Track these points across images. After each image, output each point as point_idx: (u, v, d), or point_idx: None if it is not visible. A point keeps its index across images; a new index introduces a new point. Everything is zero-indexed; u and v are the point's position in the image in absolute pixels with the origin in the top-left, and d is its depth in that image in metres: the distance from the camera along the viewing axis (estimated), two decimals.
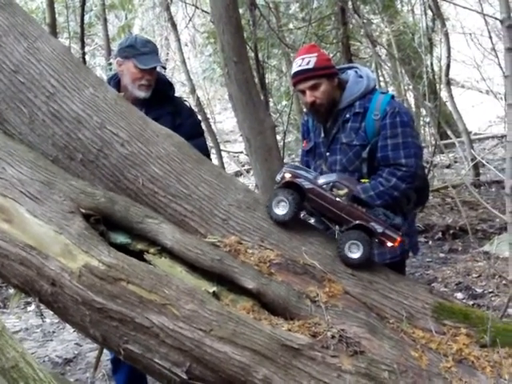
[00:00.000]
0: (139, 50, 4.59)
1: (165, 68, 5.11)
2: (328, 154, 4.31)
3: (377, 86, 4.45)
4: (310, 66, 4.16)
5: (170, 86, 4.94)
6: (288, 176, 3.47)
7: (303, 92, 4.24)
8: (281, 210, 3.41)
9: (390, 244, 3.45)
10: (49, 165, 3.30)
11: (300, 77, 4.21)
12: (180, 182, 3.37)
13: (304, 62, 4.20)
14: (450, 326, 3.32)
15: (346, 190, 3.44)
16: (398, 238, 3.46)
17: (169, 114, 4.60)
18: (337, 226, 3.67)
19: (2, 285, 9.05)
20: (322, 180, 3.51)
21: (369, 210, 3.49)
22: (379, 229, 3.42)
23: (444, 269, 8.56)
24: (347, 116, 4.23)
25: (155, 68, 4.69)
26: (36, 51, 3.48)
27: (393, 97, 4.29)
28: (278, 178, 3.55)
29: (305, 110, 4.82)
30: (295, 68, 4.27)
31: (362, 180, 4.13)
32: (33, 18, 3.83)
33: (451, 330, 3.30)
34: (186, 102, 5.07)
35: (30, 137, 3.41)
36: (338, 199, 3.43)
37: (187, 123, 4.70)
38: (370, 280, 3.37)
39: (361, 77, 4.31)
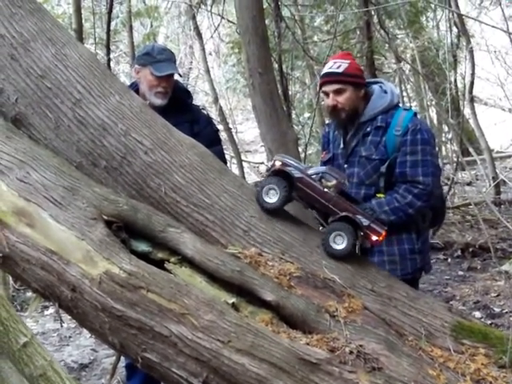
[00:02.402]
0: (155, 57, 4.64)
1: (181, 75, 5.13)
2: (346, 165, 4.31)
3: (400, 103, 4.46)
4: (340, 70, 4.21)
5: (188, 94, 4.97)
6: (278, 164, 3.47)
7: (327, 94, 4.27)
8: (270, 197, 3.42)
9: (374, 238, 3.45)
10: (73, 171, 3.32)
11: (327, 78, 4.27)
12: (202, 192, 3.37)
13: (335, 65, 4.26)
14: (469, 346, 3.29)
15: (334, 182, 3.45)
16: (383, 233, 3.46)
17: (187, 122, 4.62)
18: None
19: (20, 288, 9.09)
20: (311, 170, 3.52)
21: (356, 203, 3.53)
22: (365, 222, 3.42)
23: (462, 287, 8.51)
24: (368, 129, 4.25)
25: (172, 75, 4.72)
26: (64, 57, 3.50)
27: (415, 114, 4.31)
28: (269, 165, 3.58)
29: (327, 121, 4.85)
30: (325, 69, 4.34)
31: (378, 195, 4.13)
32: (61, 24, 3.86)
33: (470, 350, 3.27)
34: (203, 111, 5.09)
35: (54, 142, 3.43)
36: (326, 190, 3.43)
37: (205, 131, 4.73)
38: (390, 296, 3.36)
39: (385, 92, 4.32)
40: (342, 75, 4.21)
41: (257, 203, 3.44)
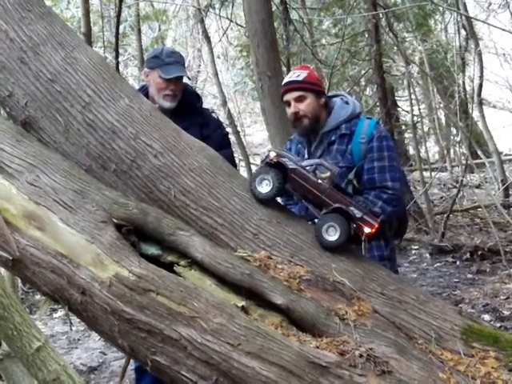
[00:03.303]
0: (164, 60, 4.64)
1: (189, 79, 5.13)
2: None
3: (362, 113, 4.52)
4: (300, 78, 4.31)
5: (197, 98, 4.97)
6: (273, 155, 3.49)
7: (289, 104, 4.33)
8: (264, 188, 3.44)
9: (367, 230, 3.44)
10: (82, 174, 3.33)
11: (288, 87, 4.34)
12: (212, 195, 3.37)
13: (295, 74, 4.37)
14: (479, 349, 3.28)
15: (328, 174, 3.46)
16: (376, 225, 3.46)
17: (196, 126, 4.62)
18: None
19: (29, 290, 9.11)
20: (305, 162, 3.54)
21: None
22: (358, 214, 3.42)
23: (471, 290, 8.50)
24: (333, 138, 4.30)
25: (181, 78, 4.72)
26: (73, 61, 3.51)
27: (378, 122, 4.35)
28: (263, 156, 3.59)
29: (289, 138, 4.88)
30: (285, 80, 4.44)
31: None
32: (70, 28, 3.86)
33: (480, 353, 3.25)
34: (213, 114, 5.10)
35: (64, 145, 3.44)
36: (319, 181, 3.45)
37: (215, 135, 4.73)
38: (400, 299, 3.35)
39: (346, 103, 4.41)
40: (303, 83, 4.29)
41: (250, 191, 3.47)
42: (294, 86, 4.30)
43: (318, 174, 3.45)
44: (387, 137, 4.28)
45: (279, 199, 3.99)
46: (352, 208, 3.42)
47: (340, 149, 4.26)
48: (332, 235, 3.38)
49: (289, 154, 3.60)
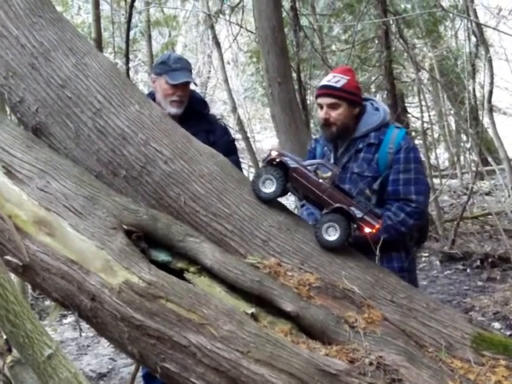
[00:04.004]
0: (171, 66, 4.66)
1: (196, 85, 5.14)
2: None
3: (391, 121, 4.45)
4: (338, 85, 4.19)
5: (204, 104, 4.98)
6: (274, 154, 3.49)
7: (321, 106, 4.26)
8: (267, 188, 3.44)
9: (368, 230, 3.44)
10: (93, 180, 3.33)
11: (323, 91, 4.25)
12: (221, 202, 3.37)
13: (334, 79, 4.24)
14: (489, 357, 3.26)
15: (329, 174, 3.46)
16: (377, 225, 3.46)
17: (203, 132, 4.61)
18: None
19: (39, 296, 9.12)
20: (306, 162, 3.55)
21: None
22: (359, 214, 3.42)
23: (482, 297, 8.45)
24: (360, 146, 4.23)
25: (187, 84, 4.73)
26: (84, 67, 3.52)
27: (407, 132, 4.30)
28: (265, 156, 3.60)
29: (314, 137, 4.83)
30: (323, 82, 4.33)
31: None
32: (81, 34, 3.88)
33: (490, 362, 3.24)
34: (219, 121, 5.10)
35: (74, 151, 3.45)
36: (320, 181, 3.44)
37: (221, 141, 4.73)
38: (410, 307, 3.34)
39: (377, 109, 4.32)
40: (339, 90, 4.19)
41: (253, 192, 3.47)
42: (329, 91, 4.22)
43: (320, 174, 3.46)
44: (415, 149, 4.23)
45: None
46: (353, 208, 3.42)
47: (367, 157, 4.21)
48: (332, 235, 3.38)
49: (290, 153, 3.59)
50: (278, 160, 3.48)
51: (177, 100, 4.65)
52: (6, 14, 3.54)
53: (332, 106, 4.19)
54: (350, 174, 4.23)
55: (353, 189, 4.14)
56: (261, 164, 3.61)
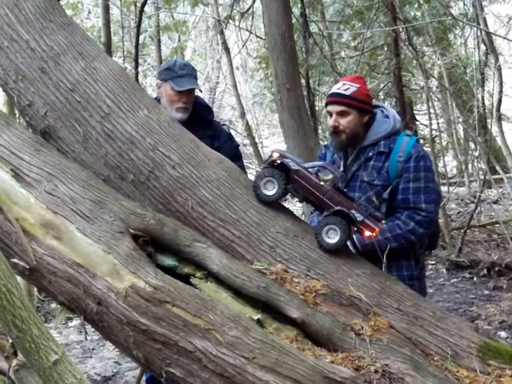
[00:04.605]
0: (176, 72, 4.67)
1: (201, 91, 5.16)
2: (345, 190, 4.25)
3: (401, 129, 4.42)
4: (347, 93, 4.16)
5: (208, 110, 5.00)
6: (276, 155, 3.48)
7: (331, 114, 4.24)
8: (269, 190, 3.43)
9: (368, 233, 3.45)
10: (100, 184, 3.33)
11: (333, 99, 4.23)
12: (229, 207, 3.37)
13: (344, 87, 4.21)
14: (495, 367, 3.25)
15: (330, 176, 3.47)
16: (377, 229, 3.46)
17: (208, 137, 4.60)
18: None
19: (45, 299, 9.14)
20: (308, 164, 3.54)
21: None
22: (359, 217, 3.42)
23: (488, 306, 8.43)
24: (370, 154, 4.20)
25: (192, 91, 4.74)
26: (93, 71, 3.53)
27: (417, 140, 4.27)
28: (266, 157, 3.57)
29: (324, 143, 4.81)
30: (333, 89, 4.32)
31: None
32: (91, 38, 3.89)
33: (496, 371, 3.22)
34: (224, 127, 5.11)
35: (83, 155, 3.45)
36: (321, 183, 3.44)
37: (225, 147, 4.73)
38: (416, 315, 3.33)
39: (387, 117, 4.28)
40: (348, 98, 4.16)
41: (255, 195, 3.47)
42: (338, 99, 4.19)
43: (321, 176, 3.46)
44: (425, 157, 4.19)
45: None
46: (353, 211, 3.42)
47: (377, 165, 4.19)
48: (332, 238, 3.38)
49: (291, 155, 3.58)
50: (279, 161, 3.48)
51: (182, 106, 4.67)
52: (16, 18, 3.55)
53: (341, 114, 4.17)
54: (360, 182, 4.21)
55: (362, 197, 4.14)
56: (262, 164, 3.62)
